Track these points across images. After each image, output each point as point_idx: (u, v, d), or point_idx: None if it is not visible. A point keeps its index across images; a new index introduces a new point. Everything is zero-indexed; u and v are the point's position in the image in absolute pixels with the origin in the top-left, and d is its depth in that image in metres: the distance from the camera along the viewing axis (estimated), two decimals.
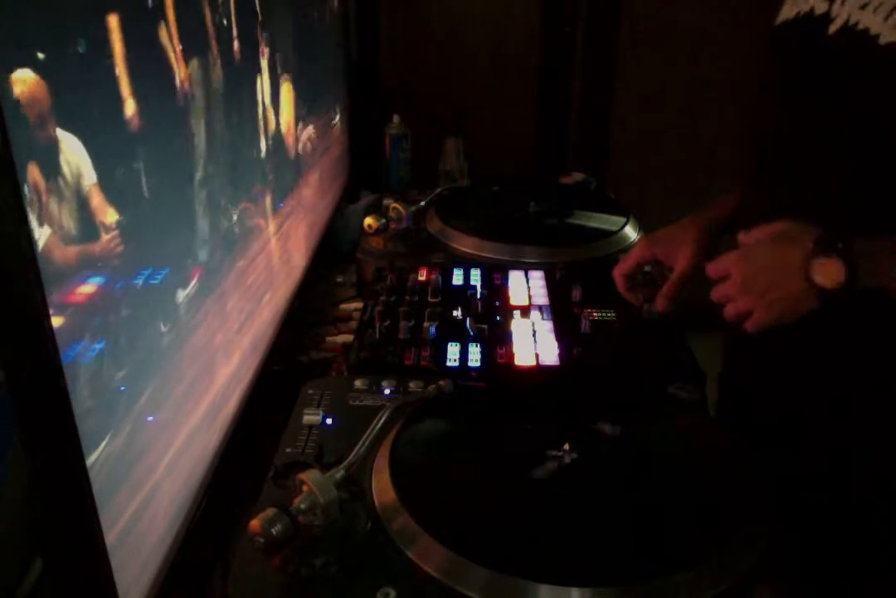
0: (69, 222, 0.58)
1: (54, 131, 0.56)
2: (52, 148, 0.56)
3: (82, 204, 0.60)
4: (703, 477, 0.82)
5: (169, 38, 0.76)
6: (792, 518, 0.77)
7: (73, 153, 0.59)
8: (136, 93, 0.69)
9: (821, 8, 0.87)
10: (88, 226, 0.62)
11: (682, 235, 1.06)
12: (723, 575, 0.69)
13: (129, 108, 0.68)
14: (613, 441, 0.85)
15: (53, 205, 0.56)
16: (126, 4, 0.68)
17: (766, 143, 0.97)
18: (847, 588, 0.85)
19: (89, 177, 0.61)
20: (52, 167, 0.56)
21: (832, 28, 0.85)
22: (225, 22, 0.95)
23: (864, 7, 0.81)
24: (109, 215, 0.64)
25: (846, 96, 0.84)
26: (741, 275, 0.83)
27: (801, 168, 0.90)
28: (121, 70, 0.66)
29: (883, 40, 0.79)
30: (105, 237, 0.64)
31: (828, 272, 0.75)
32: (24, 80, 0.52)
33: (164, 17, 0.76)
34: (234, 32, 0.98)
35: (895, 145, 0.80)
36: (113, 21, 0.65)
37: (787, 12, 0.94)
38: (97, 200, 0.62)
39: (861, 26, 0.81)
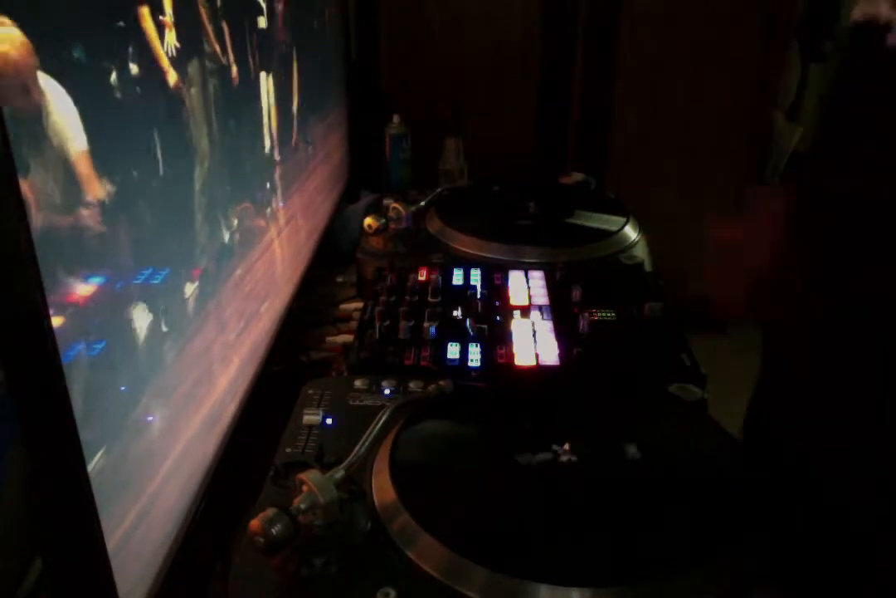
0: (54, 192, 0.55)
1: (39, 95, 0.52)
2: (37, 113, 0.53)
3: (68, 172, 0.56)
4: (702, 477, 0.82)
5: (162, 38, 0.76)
6: (791, 518, 0.77)
7: (60, 112, 0.54)
8: (137, 93, 0.69)
9: (885, 15, 0.81)
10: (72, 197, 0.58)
11: None
12: (723, 575, 0.69)
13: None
14: (613, 441, 0.85)
15: (36, 173, 0.52)
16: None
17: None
18: (846, 589, 0.85)
19: (79, 142, 0.57)
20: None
21: (892, 38, 0.80)
22: (224, 25, 0.95)
23: None
24: (97, 188, 0.60)
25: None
26: None
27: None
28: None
29: None
30: (85, 212, 0.59)
31: None
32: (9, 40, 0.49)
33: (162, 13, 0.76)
34: (229, 35, 0.98)
35: None
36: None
37: (856, 14, 0.88)
38: (85, 168, 0.58)
39: None
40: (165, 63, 0.76)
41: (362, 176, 1.98)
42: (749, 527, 0.74)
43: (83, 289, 0.61)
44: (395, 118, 1.91)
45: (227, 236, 0.97)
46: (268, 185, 1.17)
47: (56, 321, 0.55)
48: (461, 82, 2.42)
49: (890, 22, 0.81)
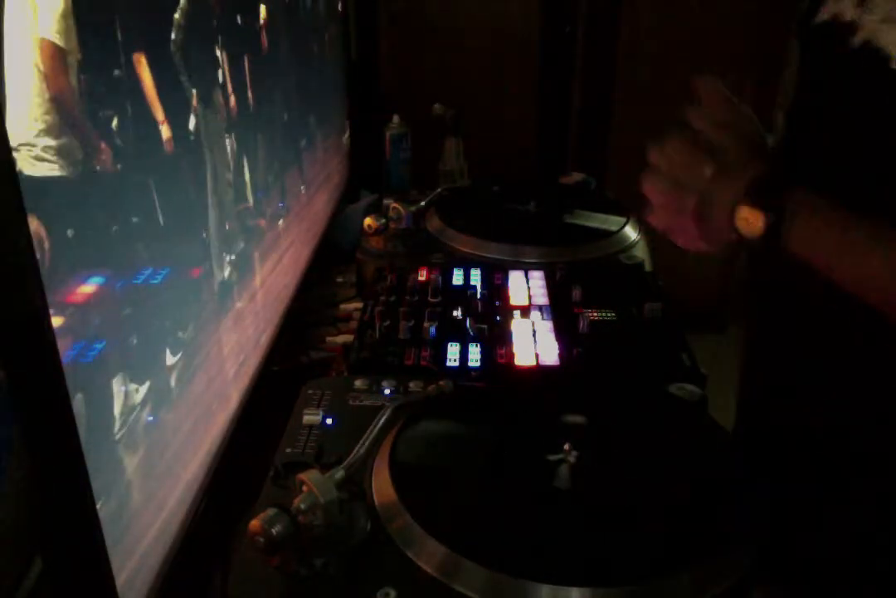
0: None
1: None
2: None
3: None
4: (702, 477, 0.82)
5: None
6: (791, 518, 0.77)
7: None
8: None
9: (850, 14, 0.77)
10: None
11: None
12: (723, 575, 0.69)
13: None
14: (613, 442, 0.85)
15: None
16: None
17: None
18: (846, 589, 0.85)
19: None
20: None
21: (855, 39, 0.75)
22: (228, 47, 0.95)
23: (885, 21, 0.72)
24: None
25: (851, 115, 0.78)
26: (671, 189, 0.77)
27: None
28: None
29: (895, 64, 0.69)
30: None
31: (748, 223, 0.70)
32: None
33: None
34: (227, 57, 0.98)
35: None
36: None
37: (823, 13, 0.84)
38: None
39: (878, 43, 0.72)
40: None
41: (362, 176, 1.98)
42: (749, 526, 0.74)
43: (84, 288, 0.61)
44: (395, 118, 1.91)
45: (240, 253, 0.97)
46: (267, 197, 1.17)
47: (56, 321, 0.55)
48: (461, 82, 2.42)
49: (854, 21, 0.77)
